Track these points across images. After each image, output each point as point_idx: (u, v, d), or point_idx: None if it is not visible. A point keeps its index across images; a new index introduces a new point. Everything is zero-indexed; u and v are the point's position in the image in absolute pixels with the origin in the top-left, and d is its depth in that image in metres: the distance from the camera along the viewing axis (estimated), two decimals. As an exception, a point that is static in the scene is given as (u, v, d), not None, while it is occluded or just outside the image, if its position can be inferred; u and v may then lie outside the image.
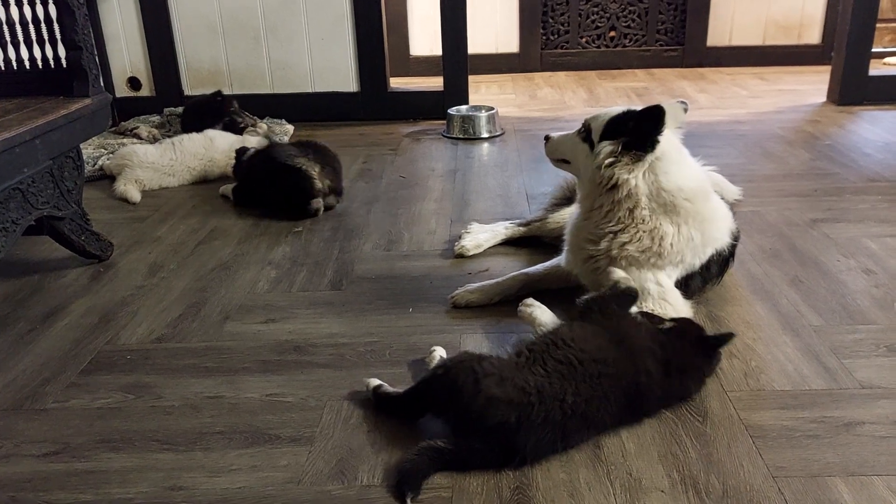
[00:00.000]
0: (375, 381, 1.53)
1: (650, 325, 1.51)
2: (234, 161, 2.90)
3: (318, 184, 2.66)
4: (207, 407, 1.55)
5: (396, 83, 4.36)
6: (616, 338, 1.44)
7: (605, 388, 1.37)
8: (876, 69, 4.29)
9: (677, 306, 1.72)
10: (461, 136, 3.79)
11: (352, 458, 1.38)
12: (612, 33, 5.62)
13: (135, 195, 2.92)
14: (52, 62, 2.23)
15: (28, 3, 2.21)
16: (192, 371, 1.69)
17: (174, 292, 2.10)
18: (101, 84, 2.28)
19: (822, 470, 1.30)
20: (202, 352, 1.78)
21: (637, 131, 1.67)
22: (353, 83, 4.12)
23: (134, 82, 4.18)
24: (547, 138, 1.96)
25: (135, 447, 1.43)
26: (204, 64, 4.12)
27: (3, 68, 2.26)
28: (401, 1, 5.41)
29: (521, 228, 2.36)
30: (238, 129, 3.48)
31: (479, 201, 2.81)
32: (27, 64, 2.26)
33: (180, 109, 3.88)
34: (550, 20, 5.59)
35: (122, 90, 4.18)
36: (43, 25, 2.20)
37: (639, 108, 1.69)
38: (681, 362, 1.46)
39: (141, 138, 3.62)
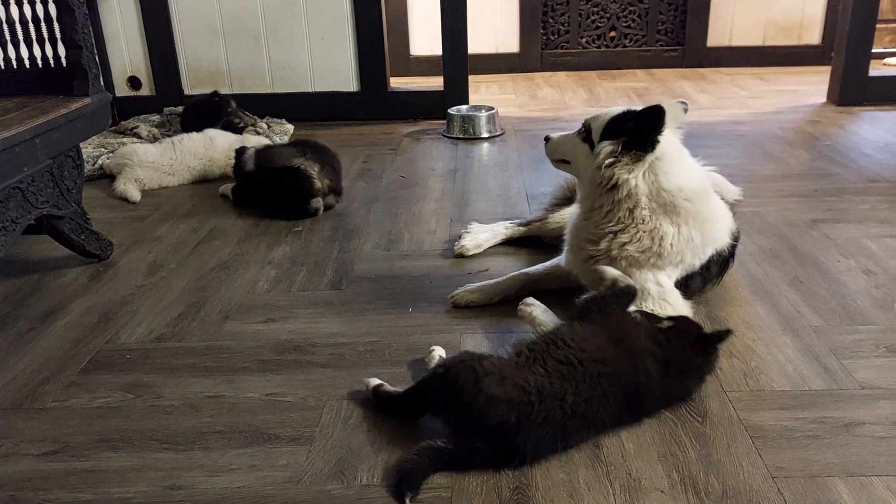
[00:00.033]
0: (375, 381, 1.53)
1: (649, 325, 1.51)
2: (234, 161, 2.90)
3: (318, 183, 2.66)
4: (207, 406, 1.55)
5: (396, 83, 4.36)
6: (616, 337, 1.44)
7: (604, 388, 1.37)
8: (876, 70, 4.29)
9: (677, 306, 1.71)
10: (461, 135, 3.79)
11: (351, 457, 1.38)
12: (613, 33, 5.62)
13: (134, 194, 2.92)
14: (52, 61, 2.23)
15: (28, 2, 2.21)
16: (191, 370, 1.69)
17: (174, 292, 2.10)
18: (101, 83, 2.28)
19: (822, 470, 1.30)
20: (202, 351, 1.78)
21: (637, 131, 1.67)
22: (354, 83, 4.12)
23: (134, 82, 4.18)
24: (547, 139, 1.96)
25: (134, 446, 1.43)
26: (204, 63, 4.12)
27: (2, 67, 2.26)
28: (401, 1, 5.41)
29: (521, 228, 2.36)
30: (237, 130, 3.48)
31: (479, 201, 2.81)
32: (27, 63, 2.26)
33: (180, 109, 3.88)
34: (550, 20, 5.59)
35: (122, 89, 4.18)
36: (43, 24, 2.20)
37: (639, 108, 1.69)
38: (680, 362, 1.46)
39: (141, 137, 3.62)
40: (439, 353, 1.62)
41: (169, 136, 3.44)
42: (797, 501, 1.24)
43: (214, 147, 3.15)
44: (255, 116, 3.85)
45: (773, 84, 4.92)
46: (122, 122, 3.90)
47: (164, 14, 4.00)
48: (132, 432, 1.48)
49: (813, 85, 4.72)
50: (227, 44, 4.08)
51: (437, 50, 4.20)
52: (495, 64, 5.60)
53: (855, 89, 4.11)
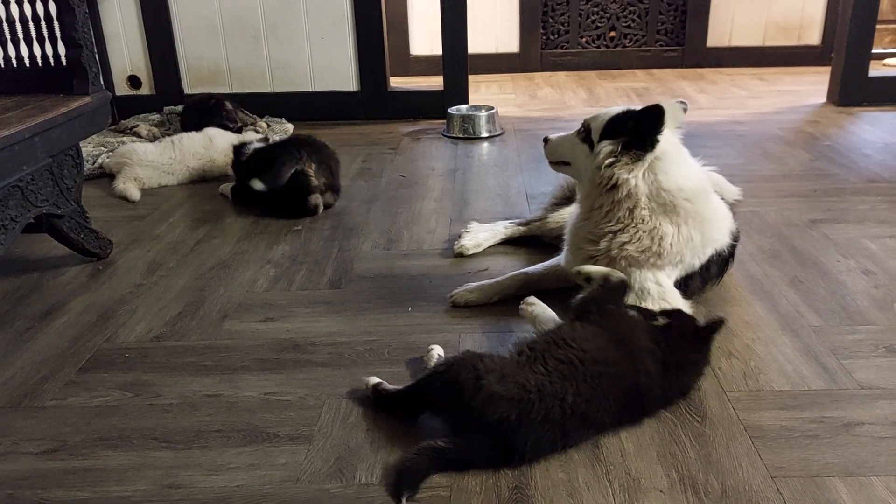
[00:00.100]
0: (374, 379, 1.52)
1: (648, 324, 1.51)
2: (232, 156, 2.89)
3: (315, 181, 2.65)
4: (206, 405, 1.55)
5: (396, 82, 4.36)
6: (616, 338, 1.44)
7: (605, 389, 1.36)
8: (876, 70, 4.29)
9: (676, 306, 1.71)
10: (461, 135, 3.79)
11: (350, 456, 1.38)
12: (612, 33, 5.62)
13: (134, 193, 2.92)
14: (52, 60, 2.23)
15: (28, 1, 2.21)
16: (190, 369, 1.69)
17: (173, 291, 2.10)
18: (101, 82, 2.28)
19: (821, 470, 1.30)
20: (201, 350, 1.78)
21: (637, 131, 1.67)
22: (354, 82, 4.12)
23: (134, 81, 4.17)
24: (546, 140, 1.96)
25: (133, 445, 1.43)
26: (204, 63, 4.12)
27: (2, 66, 2.25)
28: (401, 1, 5.41)
29: (520, 228, 2.36)
30: (233, 132, 3.47)
31: (479, 201, 2.81)
32: (27, 62, 2.25)
33: (180, 108, 3.88)
34: (550, 20, 5.59)
35: (121, 88, 4.18)
36: (43, 23, 2.20)
37: (638, 107, 1.69)
38: (679, 359, 1.46)
39: (140, 137, 3.62)
40: (438, 352, 1.62)
41: (168, 135, 3.43)
42: (796, 501, 1.24)
43: (214, 147, 3.15)
44: (254, 116, 3.85)
45: (772, 84, 4.92)
46: (122, 121, 3.90)
47: (164, 13, 3.99)
48: (131, 431, 1.48)
49: (813, 85, 4.72)
50: (227, 43, 4.07)
51: (437, 50, 4.20)
52: (495, 64, 5.60)
53: (855, 90, 4.11)
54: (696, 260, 1.78)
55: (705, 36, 5.52)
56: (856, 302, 1.91)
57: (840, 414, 1.46)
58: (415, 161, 3.40)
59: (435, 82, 4.27)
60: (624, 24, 5.58)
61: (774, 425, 1.43)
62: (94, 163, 3.22)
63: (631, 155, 1.68)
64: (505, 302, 1.92)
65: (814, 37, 5.52)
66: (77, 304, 2.03)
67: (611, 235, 1.74)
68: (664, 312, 1.56)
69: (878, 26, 4.09)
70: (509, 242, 2.35)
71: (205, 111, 3.54)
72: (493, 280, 1.99)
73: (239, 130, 3.51)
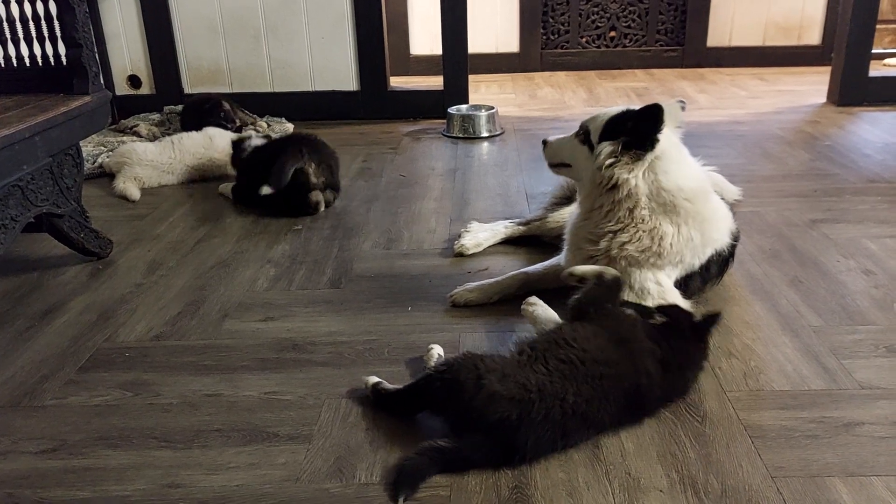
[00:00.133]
0: (374, 379, 1.53)
1: (647, 323, 1.51)
2: (231, 153, 2.89)
3: (314, 178, 2.65)
4: (206, 405, 1.55)
5: (396, 82, 4.36)
6: (616, 338, 1.44)
7: (605, 389, 1.36)
8: (876, 70, 4.29)
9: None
10: (461, 135, 3.79)
11: (350, 456, 1.38)
12: (612, 33, 5.62)
13: (134, 193, 2.92)
14: (52, 59, 2.23)
15: (28, 1, 2.21)
16: (190, 369, 1.69)
17: (173, 290, 2.10)
18: (101, 82, 2.28)
19: (821, 470, 1.30)
20: (201, 350, 1.78)
21: (636, 130, 1.67)
22: (354, 82, 4.12)
23: (134, 80, 4.17)
24: (545, 143, 1.96)
25: (132, 444, 1.43)
26: (204, 62, 4.12)
27: (3, 65, 2.25)
28: (401, 0, 5.41)
29: (520, 227, 2.36)
30: (232, 132, 3.47)
31: (479, 200, 2.81)
32: (27, 61, 2.25)
33: (180, 108, 3.88)
34: (550, 20, 5.59)
35: (122, 88, 4.18)
36: (43, 23, 2.20)
37: (637, 107, 1.69)
38: (679, 357, 1.46)
39: (141, 136, 3.62)
40: (438, 351, 1.62)
41: (168, 134, 3.44)
42: (796, 501, 1.24)
43: (214, 146, 3.15)
44: (254, 115, 3.86)
45: (772, 84, 4.92)
46: (122, 121, 3.90)
47: (164, 13, 3.99)
48: (131, 430, 1.48)
49: (813, 85, 4.72)
50: (228, 43, 4.07)
51: (437, 49, 4.20)
52: (495, 64, 5.60)
53: (855, 90, 4.11)
54: (696, 260, 1.78)
55: (705, 36, 5.52)
56: (856, 302, 1.91)
57: (840, 414, 1.46)
58: (415, 161, 3.40)
59: (435, 82, 4.27)
60: (624, 24, 5.58)
61: (774, 425, 1.43)
62: (94, 162, 3.21)
63: (631, 155, 1.68)
64: (505, 301, 1.92)
65: (814, 37, 5.52)
66: (77, 304, 2.03)
67: (611, 235, 1.74)
68: (661, 309, 1.56)
69: (878, 26, 4.09)
70: (509, 242, 2.35)
71: (206, 109, 3.54)
72: (493, 280, 1.99)
73: (238, 130, 3.51)
